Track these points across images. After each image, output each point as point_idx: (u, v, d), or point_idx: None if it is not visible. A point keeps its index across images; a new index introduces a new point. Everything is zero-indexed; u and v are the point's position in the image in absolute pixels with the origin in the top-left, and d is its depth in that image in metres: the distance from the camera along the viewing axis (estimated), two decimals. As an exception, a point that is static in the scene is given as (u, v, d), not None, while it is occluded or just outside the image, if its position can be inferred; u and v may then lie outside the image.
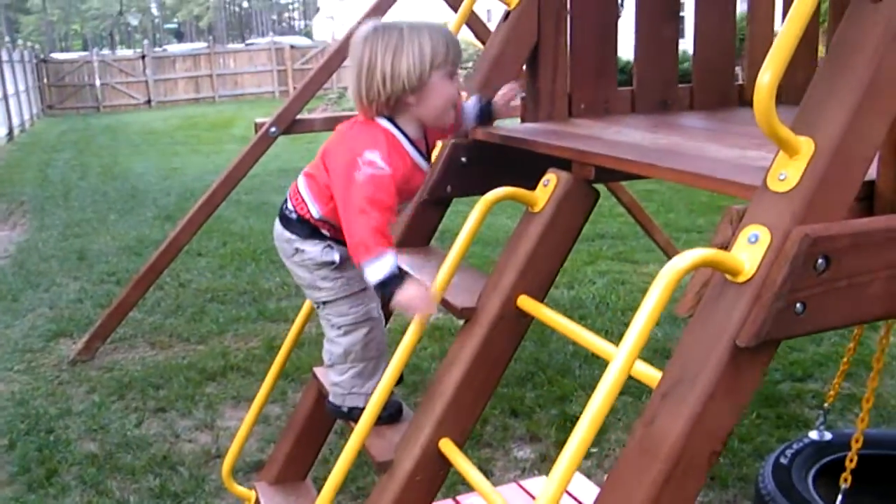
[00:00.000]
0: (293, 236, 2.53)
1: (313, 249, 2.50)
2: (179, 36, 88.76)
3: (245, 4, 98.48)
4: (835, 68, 1.60)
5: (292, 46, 32.49)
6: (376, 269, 2.22)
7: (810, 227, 1.48)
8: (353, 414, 2.55)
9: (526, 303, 2.16)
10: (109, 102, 29.84)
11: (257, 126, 5.75)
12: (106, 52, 41.17)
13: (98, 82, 29.84)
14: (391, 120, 2.39)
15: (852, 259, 1.52)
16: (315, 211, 2.47)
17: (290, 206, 2.54)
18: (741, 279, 1.52)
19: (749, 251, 1.53)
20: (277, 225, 2.59)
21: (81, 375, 5.62)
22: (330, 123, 5.81)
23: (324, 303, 2.56)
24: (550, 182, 2.18)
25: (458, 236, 2.19)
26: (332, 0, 50.53)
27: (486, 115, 2.70)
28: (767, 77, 1.48)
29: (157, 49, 36.24)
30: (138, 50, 35.36)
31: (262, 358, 5.72)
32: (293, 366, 5.23)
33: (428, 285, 2.26)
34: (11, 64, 22.58)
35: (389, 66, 2.29)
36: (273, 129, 5.63)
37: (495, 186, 2.19)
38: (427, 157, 2.53)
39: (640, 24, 3.12)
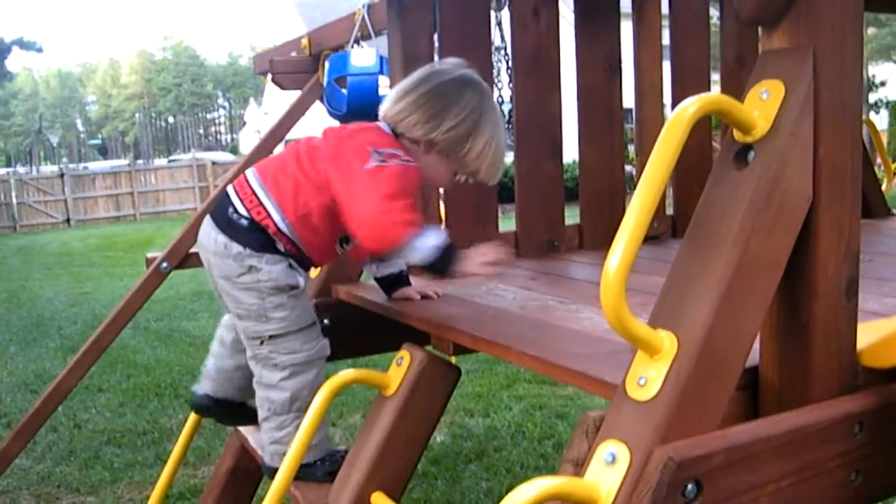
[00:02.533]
0: (245, 249, 2.03)
1: (274, 268, 2.03)
2: (104, 152, 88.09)
3: (171, 120, 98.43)
4: (698, 248, 1.36)
5: (214, 163, 32.30)
6: (428, 240, 1.87)
7: (674, 446, 1.21)
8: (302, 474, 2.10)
9: (380, 501, 1.87)
10: (27, 221, 29.05)
11: (148, 261, 5.40)
12: (24, 169, 40.52)
13: (14, 201, 29.10)
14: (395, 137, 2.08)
15: (729, 478, 1.25)
16: (279, 218, 2.02)
17: (241, 209, 2.05)
18: (598, 509, 1.24)
19: (606, 473, 1.24)
20: (217, 235, 2.08)
21: (-50, 541, 5.12)
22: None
23: (271, 337, 2.09)
24: (404, 361, 1.91)
25: (303, 423, 1.90)
26: (258, 115, 50.80)
27: (395, 282, 2.37)
28: (615, 261, 1.22)
29: (78, 166, 35.67)
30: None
31: (157, 510, 5.27)
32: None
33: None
34: (-80, 185, 21.94)
35: (465, 123, 2.01)
36: (164, 265, 5.26)
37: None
38: None
39: (520, 161, 2.92)
